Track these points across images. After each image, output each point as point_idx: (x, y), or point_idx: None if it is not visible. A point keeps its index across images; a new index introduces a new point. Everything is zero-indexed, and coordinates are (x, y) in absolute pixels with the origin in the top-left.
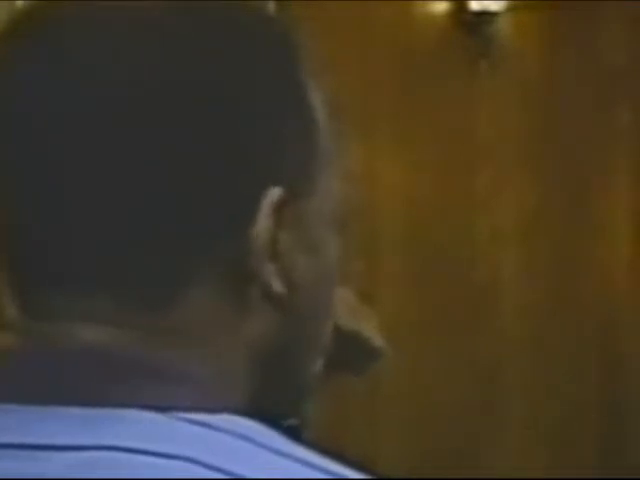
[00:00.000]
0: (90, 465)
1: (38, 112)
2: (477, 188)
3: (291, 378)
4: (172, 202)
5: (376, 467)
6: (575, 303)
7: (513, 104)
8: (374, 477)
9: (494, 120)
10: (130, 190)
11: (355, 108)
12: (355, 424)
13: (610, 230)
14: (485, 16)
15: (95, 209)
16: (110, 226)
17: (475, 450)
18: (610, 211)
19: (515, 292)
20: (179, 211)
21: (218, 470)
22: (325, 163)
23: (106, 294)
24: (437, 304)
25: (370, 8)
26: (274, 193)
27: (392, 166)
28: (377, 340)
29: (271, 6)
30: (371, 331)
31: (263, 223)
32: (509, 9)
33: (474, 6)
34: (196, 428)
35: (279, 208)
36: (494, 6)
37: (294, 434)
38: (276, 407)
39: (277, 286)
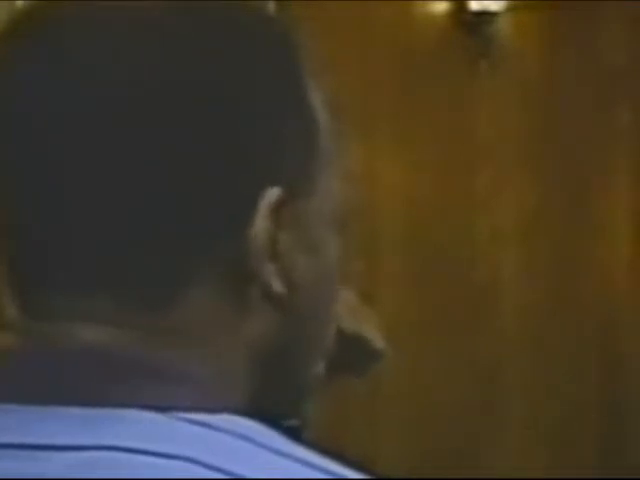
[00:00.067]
0: (90, 465)
1: (38, 112)
2: (477, 188)
3: (291, 378)
4: (172, 202)
5: (376, 467)
6: (575, 303)
7: (513, 104)
8: (374, 477)
9: (494, 120)
10: (130, 190)
11: (355, 108)
12: (355, 424)
13: (610, 230)
14: (485, 16)
15: (95, 209)
16: (110, 226)
17: (475, 450)
18: (610, 211)
19: (515, 292)
20: (179, 211)
21: (218, 470)
22: (325, 163)
23: (106, 294)
24: (437, 304)
25: (370, 8)
26: (272, 193)
27: (392, 166)
28: (378, 342)
29: (271, 6)
30: (372, 333)
31: (261, 223)
32: (509, 9)
33: (474, 6)
34: (196, 428)
35: (278, 208)
36: (494, 6)
37: (294, 434)
38: (276, 407)
39: (277, 286)
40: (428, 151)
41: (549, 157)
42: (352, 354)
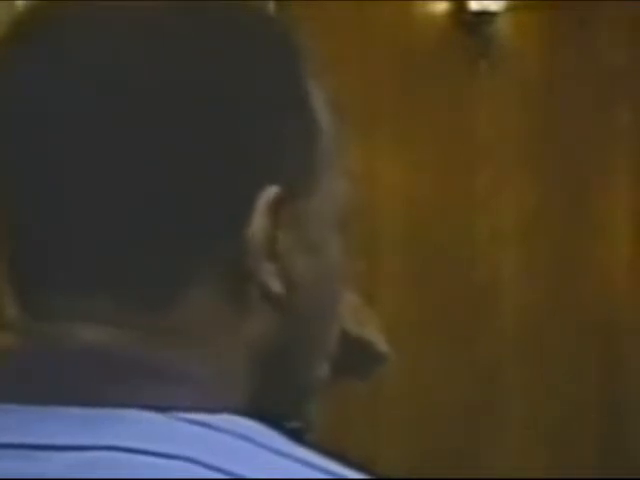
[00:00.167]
0: (90, 465)
1: (38, 112)
2: (477, 188)
3: (292, 379)
4: (172, 202)
5: (377, 467)
6: (575, 303)
7: (513, 104)
8: (374, 477)
9: (494, 120)
10: (130, 190)
11: (355, 108)
12: (355, 424)
13: (610, 230)
14: (485, 16)
15: (95, 209)
16: (110, 226)
17: (475, 450)
18: (610, 211)
19: (515, 292)
20: (179, 211)
21: (218, 470)
22: (325, 163)
23: (106, 294)
24: (437, 304)
25: (370, 8)
26: (270, 192)
27: (392, 166)
28: (382, 345)
29: (271, 6)
30: (376, 335)
31: (259, 222)
32: (509, 9)
33: (474, 6)
34: (196, 428)
35: (277, 207)
36: (494, 6)
37: (297, 436)
38: (276, 407)
39: (276, 286)
40: (428, 151)
41: (549, 157)
42: (355, 357)
